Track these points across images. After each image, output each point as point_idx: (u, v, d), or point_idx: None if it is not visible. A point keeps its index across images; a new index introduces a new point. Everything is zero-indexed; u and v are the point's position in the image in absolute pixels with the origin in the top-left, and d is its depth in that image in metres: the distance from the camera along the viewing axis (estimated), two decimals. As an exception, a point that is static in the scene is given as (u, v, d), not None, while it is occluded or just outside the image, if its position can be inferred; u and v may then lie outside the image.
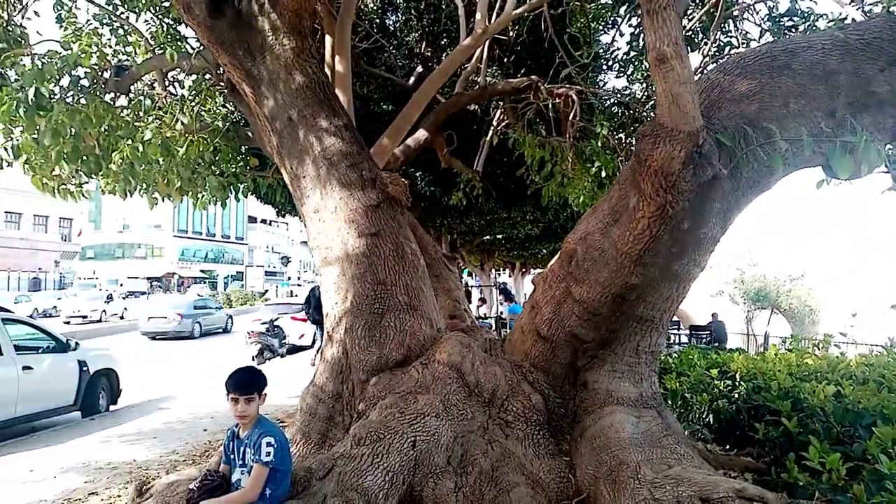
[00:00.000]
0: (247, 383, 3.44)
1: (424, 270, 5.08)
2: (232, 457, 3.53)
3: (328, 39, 7.08)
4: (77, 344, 9.85)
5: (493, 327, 17.07)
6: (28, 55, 6.50)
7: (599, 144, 7.77)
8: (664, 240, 3.88)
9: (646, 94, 8.60)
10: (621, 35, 9.42)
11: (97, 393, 9.88)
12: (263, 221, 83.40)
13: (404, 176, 7.62)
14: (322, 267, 4.97)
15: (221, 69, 6.54)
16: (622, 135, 8.82)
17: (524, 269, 35.06)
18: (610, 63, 10.14)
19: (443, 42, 10.09)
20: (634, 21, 8.68)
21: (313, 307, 13.27)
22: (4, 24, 6.67)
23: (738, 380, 5.84)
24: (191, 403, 10.42)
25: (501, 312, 18.78)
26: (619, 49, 10.09)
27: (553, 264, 4.67)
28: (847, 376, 5.30)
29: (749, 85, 4.11)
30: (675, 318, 19.30)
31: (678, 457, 4.05)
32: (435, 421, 3.97)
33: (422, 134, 8.07)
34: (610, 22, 9.61)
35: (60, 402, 9.12)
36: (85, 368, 9.53)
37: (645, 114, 8.57)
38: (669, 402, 5.72)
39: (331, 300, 4.89)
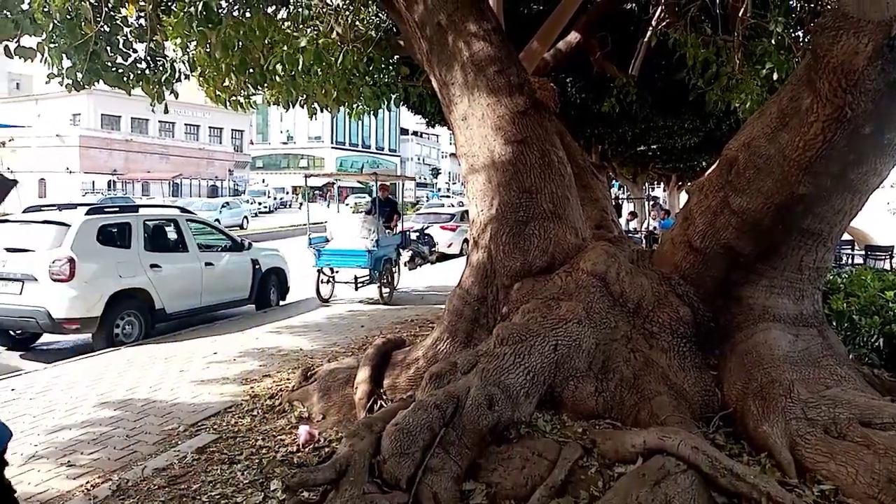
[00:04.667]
0: None
1: (571, 179, 4.99)
2: None
3: (478, -61, 6.87)
4: (251, 244, 10.83)
5: (644, 243, 16.55)
6: (198, -30, 6.90)
7: (773, 43, 7.04)
8: (840, 146, 3.51)
9: (832, -18, 7.60)
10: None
11: (268, 289, 10.91)
12: (415, 133, 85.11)
13: (554, 82, 7.39)
14: (468, 174, 5.04)
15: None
16: (800, 32, 7.91)
17: (680, 183, 33.22)
18: (791, -51, 8.99)
19: (600, -65, 9.42)
20: None
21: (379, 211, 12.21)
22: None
23: (918, 303, 5.32)
24: (349, 302, 11.21)
25: (654, 228, 18.13)
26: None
27: (711, 172, 4.40)
28: None
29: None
30: (848, 238, 17.63)
31: (838, 378, 3.82)
32: (577, 327, 4.00)
33: (574, 37, 7.74)
34: None
35: (236, 295, 10.19)
36: (258, 266, 10.51)
37: (829, 7, 7.60)
38: (834, 324, 5.34)
39: (476, 207, 4.97)
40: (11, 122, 49.39)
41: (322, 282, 11.16)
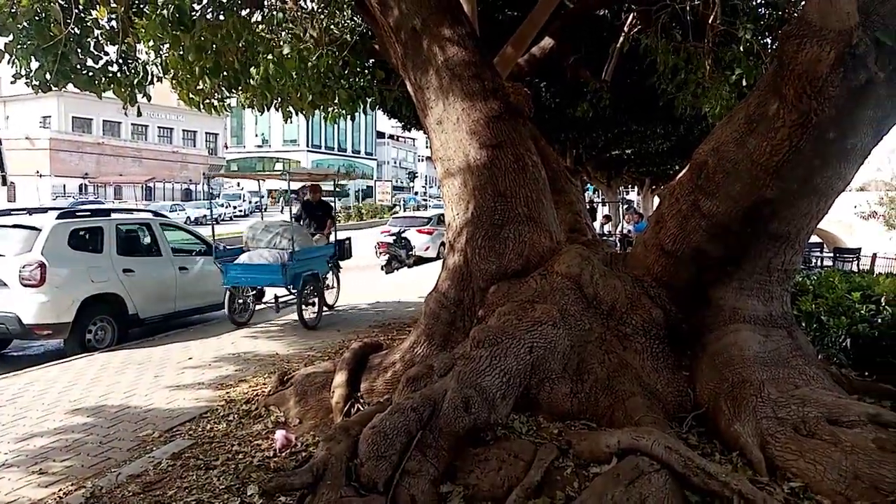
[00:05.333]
0: None
1: (545, 183, 5.05)
2: None
3: (453, -55, 6.91)
4: (225, 248, 10.72)
5: (618, 246, 16.71)
6: (172, -27, 6.85)
7: (742, 49, 7.19)
8: (805, 150, 3.61)
9: (799, -9, 7.77)
10: (774, -76, 8.44)
11: (243, 293, 10.80)
12: (391, 137, 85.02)
13: (528, 86, 7.46)
14: (444, 178, 5.07)
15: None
16: (768, 39, 8.08)
17: (654, 187, 33.62)
18: (760, -43, 9.17)
19: (573, -58, 9.53)
20: None
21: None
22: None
23: (884, 304, 5.46)
24: (270, 324, 11.12)
25: (628, 231, 18.32)
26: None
27: (682, 177, 4.49)
28: None
29: (924, -28, 3.62)
30: (817, 240, 18.04)
31: (807, 378, 3.91)
32: (552, 329, 4.05)
33: (547, 42, 7.81)
34: None
35: (211, 300, 10.05)
36: (232, 271, 10.41)
37: (797, 15, 7.76)
38: (803, 325, 5.46)
39: (452, 211, 5.00)
40: (-22, 124, 48.33)
41: (239, 301, 9.44)
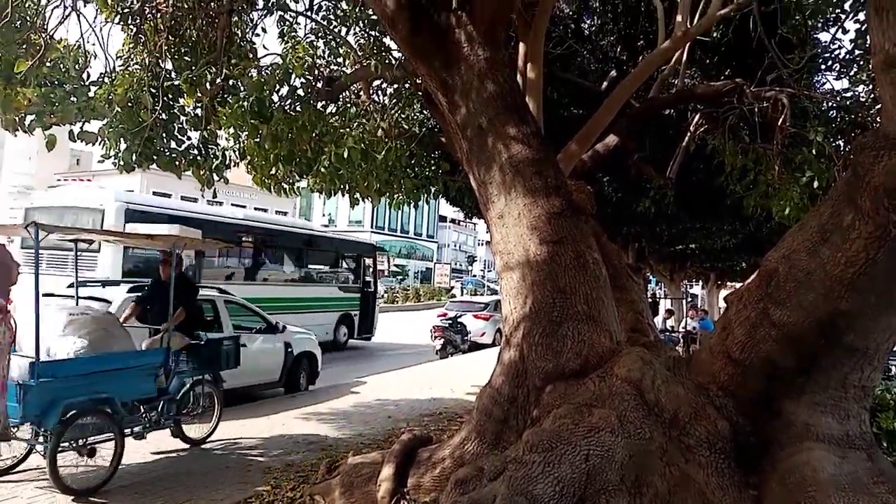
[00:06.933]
0: None
1: (606, 280, 4.97)
2: None
3: (521, 46, 7.17)
4: (284, 327, 10.88)
5: (682, 342, 16.18)
6: (255, 68, 7.34)
7: (813, 152, 7.08)
8: (883, 263, 3.45)
9: (871, 96, 7.68)
10: (844, 32, 8.47)
11: (299, 373, 10.84)
12: (453, 221, 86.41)
13: (591, 180, 7.51)
14: (503, 271, 5.06)
15: (419, 78, 6.89)
16: (840, 142, 7.96)
17: (719, 282, 32.78)
18: (829, 63, 9.17)
19: (639, 45, 9.77)
20: (861, 16, 7.77)
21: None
22: (238, 41, 7.58)
23: (976, 426, 5.04)
24: (378, 389, 11.09)
25: (693, 328, 17.76)
26: (840, 48, 9.11)
27: (750, 283, 4.34)
28: None
29: None
30: (898, 349, 17.01)
31: (891, 509, 3.59)
32: (610, 436, 3.87)
33: (612, 139, 7.88)
34: (831, 19, 8.70)
35: (267, 378, 10.14)
36: (290, 350, 10.50)
37: (870, 119, 7.65)
38: (885, 445, 5.08)
39: (510, 304, 4.96)
40: (68, 195, 51.45)
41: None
